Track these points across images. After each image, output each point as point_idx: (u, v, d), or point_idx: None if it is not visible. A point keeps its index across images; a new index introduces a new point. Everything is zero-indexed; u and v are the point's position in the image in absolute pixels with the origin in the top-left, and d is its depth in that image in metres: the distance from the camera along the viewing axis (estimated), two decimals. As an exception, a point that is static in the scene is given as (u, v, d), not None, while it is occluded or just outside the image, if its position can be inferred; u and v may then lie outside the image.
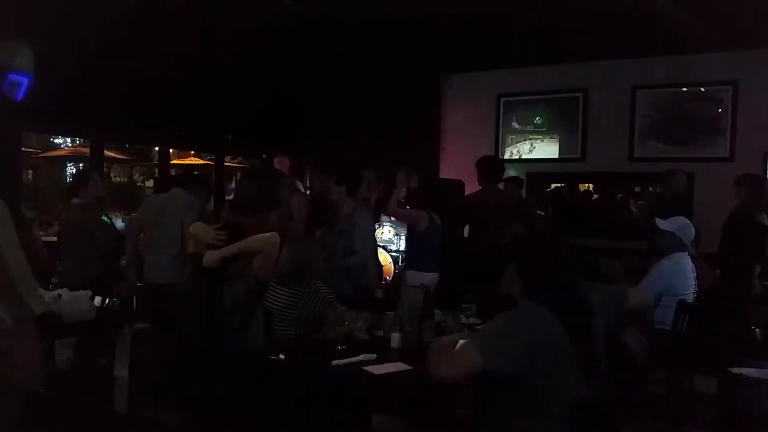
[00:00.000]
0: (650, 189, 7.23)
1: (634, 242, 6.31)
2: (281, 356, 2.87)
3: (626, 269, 5.40)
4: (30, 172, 9.63)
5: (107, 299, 4.07)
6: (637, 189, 7.42)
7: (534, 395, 2.07)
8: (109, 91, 6.07)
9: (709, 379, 3.66)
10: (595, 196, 7.66)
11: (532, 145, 7.80)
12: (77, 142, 9.44)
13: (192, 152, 9.94)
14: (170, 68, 6.28)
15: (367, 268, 4.60)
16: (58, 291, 3.85)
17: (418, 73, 7.63)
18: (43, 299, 2.60)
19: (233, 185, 8.47)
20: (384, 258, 6.94)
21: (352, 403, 2.81)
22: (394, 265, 7.33)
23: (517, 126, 7.88)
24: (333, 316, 3.35)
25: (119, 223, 6.13)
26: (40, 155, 9.69)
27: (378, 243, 5.80)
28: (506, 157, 7.78)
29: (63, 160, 9.91)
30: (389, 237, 7.59)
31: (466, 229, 5.87)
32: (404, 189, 5.56)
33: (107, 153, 8.26)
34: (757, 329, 3.64)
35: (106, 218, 5.03)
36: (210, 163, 8.94)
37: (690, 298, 4.10)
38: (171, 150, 8.50)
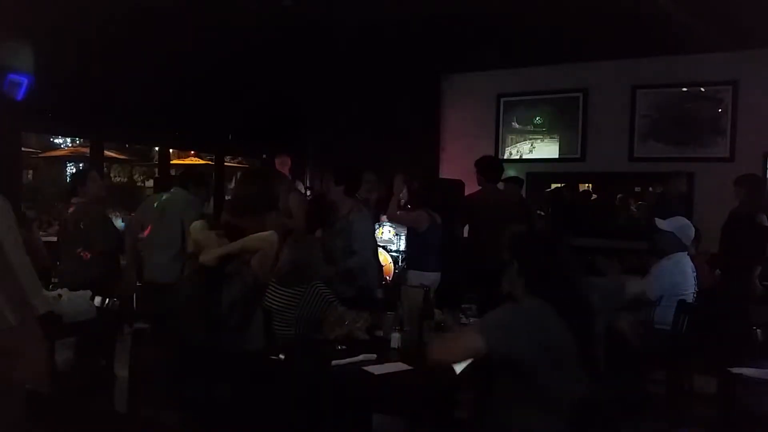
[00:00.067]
0: (650, 189, 7.23)
1: (634, 242, 6.32)
2: (281, 356, 2.87)
3: (626, 269, 5.40)
4: (30, 172, 9.63)
5: (107, 299, 4.07)
6: (637, 189, 7.41)
7: (534, 391, 2.08)
8: (109, 91, 6.07)
9: (709, 379, 3.66)
10: (594, 196, 7.66)
11: (532, 145, 7.80)
12: (77, 142, 9.44)
13: (192, 152, 9.94)
14: (170, 68, 6.28)
15: (367, 269, 4.60)
16: (58, 291, 3.85)
17: (418, 73, 7.64)
18: (47, 298, 2.60)
19: (233, 185, 8.47)
20: (384, 258, 6.94)
21: (352, 403, 2.81)
22: (394, 265, 7.33)
23: (517, 126, 7.88)
24: (333, 316, 3.35)
25: (119, 223, 6.13)
26: (40, 155, 9.70)
27: (378, 243, 5.80)
28: (506, 157, 7.78)
29: (63, 160, 9.91)
30: (389, 237, 7.59)
31: (466, 229, 5.87)
32: (404, 191, 5.58)
33: (107, 153, 8.27)
34: (758, 330, 3.64)
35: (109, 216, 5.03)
36: (210, 163, 8.94)
37: (690, 298, 4.11)
38: (171, 150, 8.50)
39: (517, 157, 7.84)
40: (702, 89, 6.86)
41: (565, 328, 2.08)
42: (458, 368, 2.38)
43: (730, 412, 3.23)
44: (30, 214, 6.78)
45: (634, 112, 7.15)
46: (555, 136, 7.66)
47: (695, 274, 4.22)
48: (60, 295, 3.73)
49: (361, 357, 2.85)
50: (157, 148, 8.66)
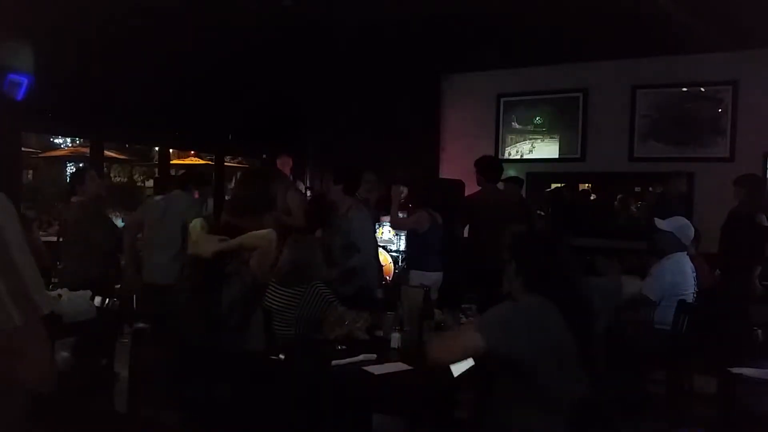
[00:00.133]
0: (650, 189, 7.23)
1: (634, 242, 6.32)
2: (281, 356, 2.87)
3: (626, 269, 5.40)
4: (30, 172, 9.63)
5: (107, 299, 4.07)
6: (637, 189, 7.41)
7: (534, 391, 2.07)
8: (109, 91, 6.07)
9: (709, 379, 3.66)
10: (594, 196, 7.66)
11: (532, 145, 7.80)
12: (77, 142, 9.44)
13: (192, 152, 9.94)
14: (170, 68, 6.28)
15: (367, 268, 4.60)
16: (58, 291, 3.85)
17: (418, 73, 7.64)
18: (50, 297, 2.60)
19: (233, 185, 8.47)
20: (384, 258, 6.95)
21: (352, 403, 2.81)
22: (394, 265, 7.33)
23: (517, 126, 7.88)
24: (333, 316, 3.35)
25: (119, 223, 6.13)
26: (40, 155, 9.69)
27: (378, 243, 5.81)
28: (506, 157, 7.78)
29: (63, 160, 9.91)
30: (389, 237, 7.60)
31: (467, 229, 5.87)
32: (404, 193, 5.61)
33: (107, 153, 8.26)
34: (759, 330, 3.64)
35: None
36: (210, 163, 8.94)
37: (690, 298, 4.11)
38: (171, 150, 8.50)
39: (517, 157, 7.84)
40: (702, 89, 6.86)
41: (565, 327, 2.07)
42: (456, 370, 2.38)
43: (730, 412, 3.23)
44: (30, 214, 6.78)
45: (634, 112, 7.15)
46: (555, 136, 7.66)
47: (695, 274, 4.23)
48: (60, 295, 3.73)
49: (361, 357, 2.85)
50: (157, 148, 8.65)
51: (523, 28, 6.02)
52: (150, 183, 10.42)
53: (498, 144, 7.91)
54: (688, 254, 4.27)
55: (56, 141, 9.85)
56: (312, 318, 3.43)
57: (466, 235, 5.89)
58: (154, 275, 4.74)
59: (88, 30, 5.43)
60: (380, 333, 3.36)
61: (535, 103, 7.76)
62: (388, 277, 6.96)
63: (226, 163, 8.62)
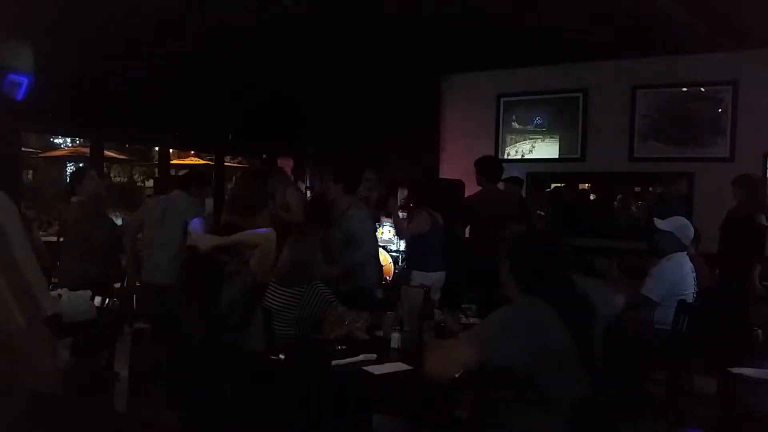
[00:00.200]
0: (650, 189, 7.23)
1: (634, 242, 6.32)
2: (281, 356, 2.87)
3: (626, 269, 5.40)
4: (30, 172, 9.64)
5: (107, 299, 4.07)
6: (637, 189, 7.41)
7: (534, 391, 2.07)
8: (109, 91, 6.07)
9: (709, 379, 3.66)
10: (594, 196, 7.67)
11: (532, 145, 7.80)
12: (77, 142, 9.45)
13: (192, 152, 9.94)
14: (170, 68, 6.28)
15: (367, 267, 4.60)
16: (58, 291, 3.86)
17: (418, 73, 7.63)
18: (53, 298, 2.60)
19: (233, 185, 8.47)
20: (384, 258, 6.95)
21: (352, 403, 2.81)
22: (394, 265, 7.33)
23: (517, 126, 7.88)
24: (333, 316, 3.35)
25: (119, 223, 6.13)
26: (40, 155, 9.71)
27: (378, 243, 5.81)
28: (506, 157, 7.78)
29: (63, 160, 9.92)
30: (389, 237, 7.60)
31: (468, 229, 5.88)
32: (404, 194, 5.64)
33: (107, 153, 8.27)
34: (759, 330, 3.64)
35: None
36: (210, 163, 8.95)
37: (690, 298, 4.11)
38: (171, 150, 8.50)
39: (517, 157, 7.84)
40: (702, 89, 6.85)
41: (562, 327, 2.07)
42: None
43: (730, 412, 3.23)
44: (30, 214, 6.79)
45: (634, 112, 7.15)
46: (555, 136, 7.66)
47: (695, 274, 4.22)
48: (60, 295, 3.73)
49: (361, 357, 2.86)
50: (157, 148, 8.66)
51: (523, 28, 6.01)
52: (150, 183, 10.43)
53: (498, 144, 7.91)
54: (687, 254, 4.27)
55: (56, 141, 9.86)
56: (312, 318, 3.43)
57: (467, 235, 5.90)
58: (154, 275, 4.75)
59: (88, 30, 5.43)
60: (380, 333, 3.36)
61: (535, 103, 7.76)
62: (388, 277, 6.96)
63: (226, 163, 8.62)
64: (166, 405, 2.83)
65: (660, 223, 4.24)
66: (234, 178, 8.79)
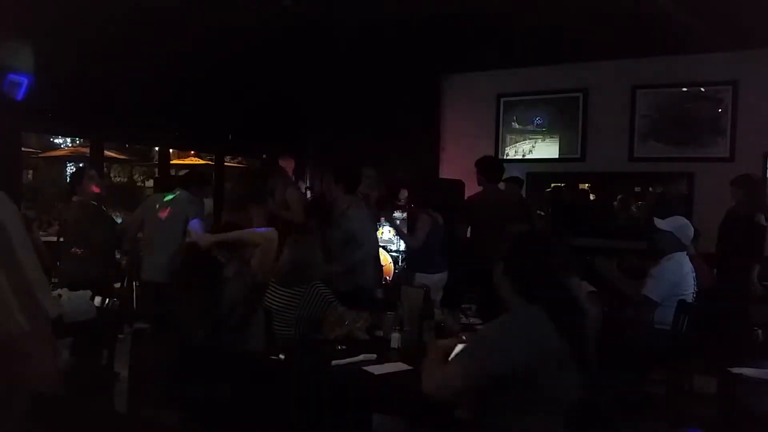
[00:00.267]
0: (650, 189, 7.23)
1: (634, 242, 6.32)
2: (281, 356, 2.87)
3: (626, 269, 5.41)
4: (30, 172, 9.64)
5: (107, 299, 4.07)
6: (637, 189, 7.41)
7: (534, 393, 2.07)
8: (109, 91, 6.07)
9: (709, 379, 3.66)
10: (593, 196, 7.67)
11: (532, 145, 7.80)
12: (77, 142, 9.44)
13: (192, 152, 9.94)
14: (170, 68, 6.28)
15: (367, 266, 4.60)
16: (58, 291, 3.85)
17: (418, 73, 7.63)
18: (56, 300, 2.59)
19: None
20: (384, 258, 6.94)
21: (352, 403, 2.80)
22: (394, 265, 7.33)
23: (517, 126, 7.88)
24: (333, 316, 3.35)
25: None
26: (40, 155, 9.70)
27: (378, 243, 5.81)
28: (506, 157, 7.78)
29: (63, 160, 9.91)
30: (389, 237, 7.60)
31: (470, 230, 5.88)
32: (405, 195, 5.68)
33: (107, 153, 8.27)
34: (759, 330, 3.64)
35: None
36: (210, 163, 8.95)
37: (690, 298, 4.11)
38: (171, 150, 8.50)
39: (517, 157, 7.84)
40: (702, 89, 6.85)
41: (557, 329, 2.06)
42: None
43: (730, 412, 3.23)
44: (30, 214, 6.79)
45: (634, 112, 7.15)
46: (555, 136, 7.66)
47: (694, 274, 4.22)
48: (60, 295, 3.73)
49: (361, 357, 2.86)
50: (157, 148, 8.66)
51: (523, 28, 6.01)
52: (150, 183, 10.43)
53: (498, 144, 7.91)
54: (687, 254, 4.27)
55: (56, 141, 9.85)
56: (312, 318, 3.43)
57: (468, 235, 5.91)
58: (155, 274, 4.75)
59: (88, 30, 5.43)
60: (380, 333, 3.36)
61: (535, 103, 7.76)
62: (388, 277, 6.96)
63: (226, 163, 8.62)
64: (166, 405, 2.83)
65: (660, 223, 4.24)
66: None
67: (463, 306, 3.82)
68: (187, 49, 6.08)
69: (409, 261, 5.77)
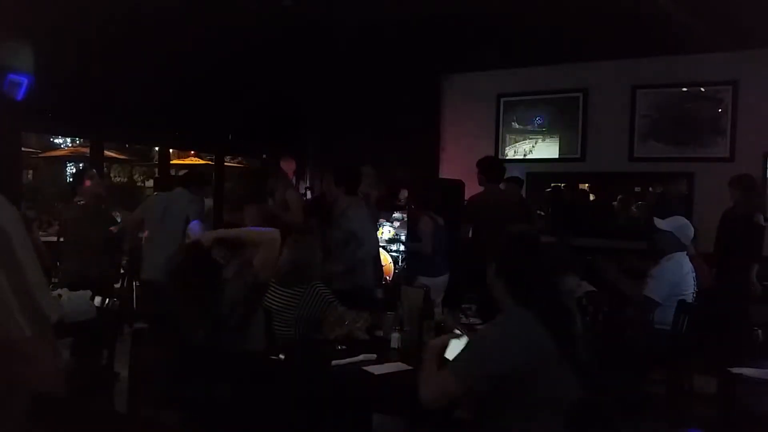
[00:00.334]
0: (650, 189, 7.23)
1: (634, 242, 6.32)
2: (281, 356, 2.87)
3: (626, 269, 5.41)
4: (30, 172, 9.64)
5: (107, 299, 4.07)
6: (637, 189, 7.41)
7: (531, 397, 2.07)
8: (109, 91, 6.08)
9: (709, 379, 3.66)
10: (593, 196, 7.67)
11: (532, 145, 7.80)
12: (77, 142, 9.45)
13: (192, 152, 9.94)
14: (170, 68, 6.28)
15: (367, 265, 4.60)
16: (58, 291, 3.86)
17: (418, 73, 7.63)
18: (56, 301, 2.59)
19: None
20: (384, 258, 6.94)
21: (352, 403, 2.81)
22: (394, 265, 7.33)
23: (517, 126, 7.88)
24: (333, 316, 3.35)
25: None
26: (40, 155, 9.71)
27: (378, 243, 5.82)
28: (506, 157, 7.78)
29: (63, 160, 9.92)
30: (389, 237, 7.60)
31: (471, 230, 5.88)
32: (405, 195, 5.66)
33: (107, 153, 8.27)
34: (759, 330, 3.64)
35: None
36: (210, 163, 8.95)
37: (690, 298, 4.11)
38: (171, 150, 8.50)
39: (517, 157, 7.84)
40: (702, 89, 6.85)
41: (547, 332, 2.05)
42: None
43: (730, 412, 3.23)
44: (30, 214, 6.79)
45: (634, 112, 7.14)
46: (555, 136, 7.66)
47: (694, 274, 4.22)
48: (60, 295, 3.73)
49: (361, 357, 2.86)
50: (157, 148, 8.66)
51: (523, 28, 6.01)
52: (150, 183, 10.44)
53: (498, 144, 7.91)
54: (687, 254, 4.27)
55: (56, 141, 9.86)
56: (312, 318, 3.42)
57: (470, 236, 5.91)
58: (155, 273, 4.75)
59: (88, 30, 5.43)
60: (380, 333, 3.36)
61: (535, 103, 7.75)
62: (388, 277, 6.96)
63: (226, 163, 8.62)
64: (166, 405, 2.83)
65: (660, 223, 4.24)
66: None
67: (463, 306, 3.82)
68: (187, 49, 6.08)
69: (410, 264, 5.77)
